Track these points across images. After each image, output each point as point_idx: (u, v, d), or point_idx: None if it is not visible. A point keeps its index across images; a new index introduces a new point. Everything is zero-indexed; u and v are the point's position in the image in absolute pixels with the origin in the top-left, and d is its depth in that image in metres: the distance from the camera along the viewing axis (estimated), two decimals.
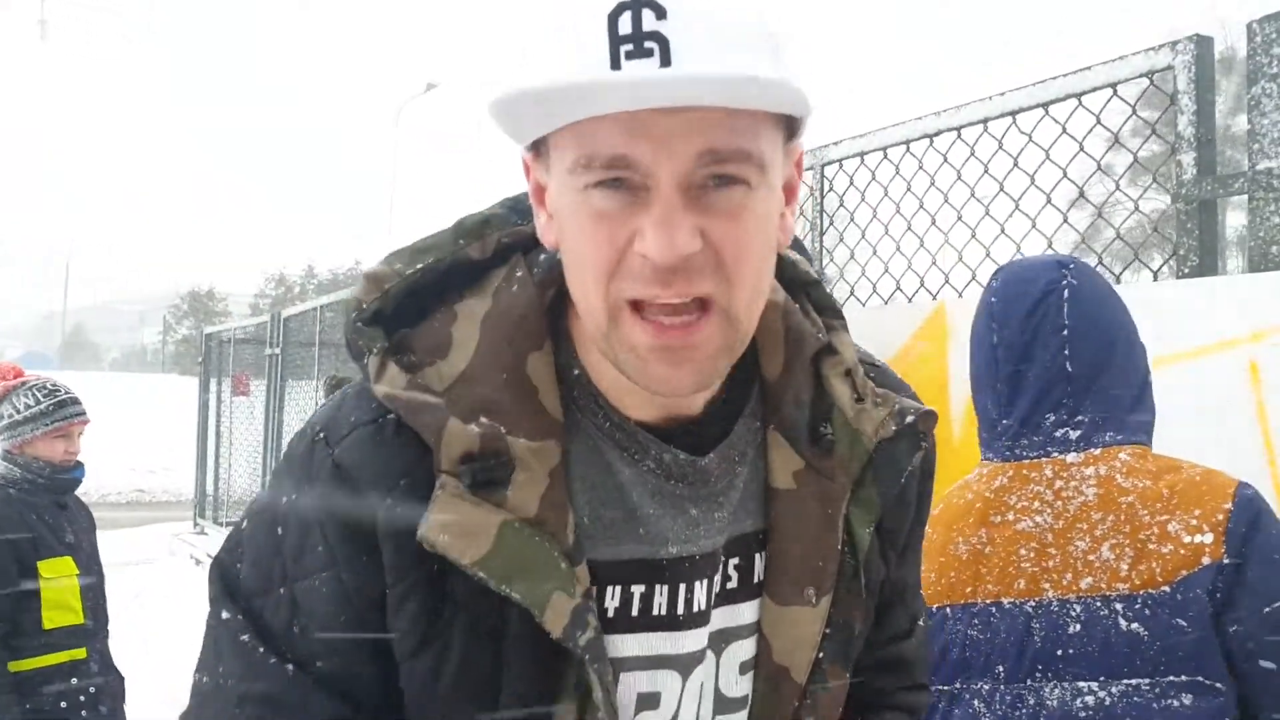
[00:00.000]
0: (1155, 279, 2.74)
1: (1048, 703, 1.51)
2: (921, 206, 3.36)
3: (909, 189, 3.40)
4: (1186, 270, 2.55)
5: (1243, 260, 2.50)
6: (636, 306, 0.90)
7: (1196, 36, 2.53)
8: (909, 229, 3.42)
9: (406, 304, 1.02)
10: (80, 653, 3.62)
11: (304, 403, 10.80)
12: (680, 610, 1.02)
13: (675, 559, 1.01)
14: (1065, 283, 1.63)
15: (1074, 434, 1.59)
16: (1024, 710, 1.53)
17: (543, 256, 1.05)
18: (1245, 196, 2.44)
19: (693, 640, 1.04)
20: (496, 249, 1.06)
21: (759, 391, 1.09)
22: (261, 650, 0.98)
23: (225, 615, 1.02)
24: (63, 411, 3.73)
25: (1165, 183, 2.64)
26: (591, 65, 0.83)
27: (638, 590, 1.01)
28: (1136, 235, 3.04)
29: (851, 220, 3.68)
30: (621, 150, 0.85)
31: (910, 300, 3.40)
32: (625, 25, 0.82)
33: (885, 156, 3.46)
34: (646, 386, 0.93)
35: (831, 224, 3.77)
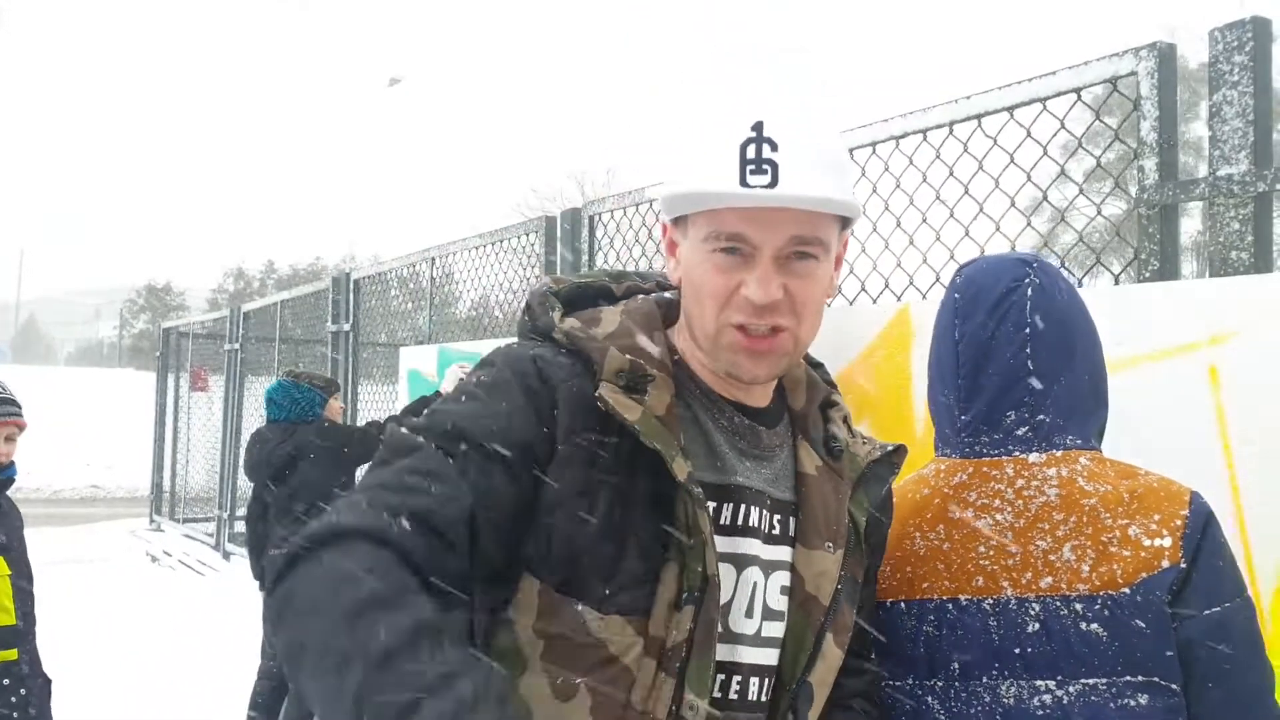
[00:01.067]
0: (1116, 282, 2.77)
1: (1004, 700, 1.52)
2: (887, 208, 3.37)
3: (874, 191, 3.41)
4: (1147, 274, 2.58)
5: (1197, 265, 2.53)
6: (737, 327, 1.37)
7: (1159, 43, 2.56)
8: (874, 231, 3.44)
9: (571, 298, 1.50)
10: (12, 654, 3.56)
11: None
12: (740, 522, 1.41)
13: (739, 485, 1.42)
14: (1029, 281, 1.63)
15: (1034, 433, 1.60)
16: (979, 707, 1.53)
17: (654, 296, 1.55)
18: (1199, 203, 2.48)
19: (750, 546, 1.41)
20: (626, 290, 1.56)
21: (789, 418, 1.55)
22: (435, 447, 1.28)
23: (405, 431, 1.33)
24: None
25: (1127, 187, 2.67)
26: (728, 180, 1.30)
27: (711, 504, 1.38)
28: (1098, 239, 3.07)
29: None
30: (740, 229, 1.33)
31: (875, 301, 3.42)
32: (750, 153, 1.30)
33: (851, 157, 3.47)
34: (736, 373, 1.40)
35: None
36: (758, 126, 1.31)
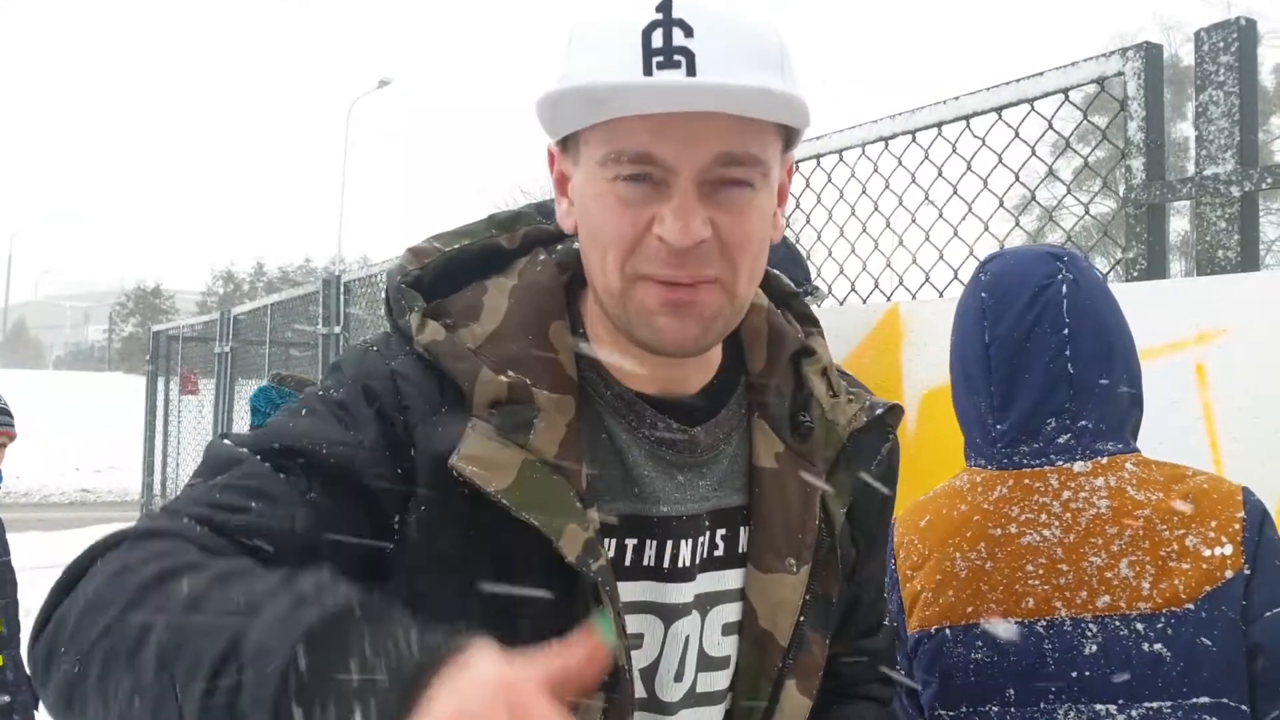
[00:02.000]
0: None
1: None
2: (876, 209, 3.39)
3: (864, 191, 3.43)
4: (1135, 273, 2.59)
5: (1186, 265, 2.55)
6: (651, 279, 1.03)
7: (1146, 44, 2.57)
8: (864, 231, 3.45)
9: (442, 277, 1.16)
10: (0, 661, 3.57)
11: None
12: (666, 564, 1.13)
13: (665, 517, 1.13)
14: (1062, 277, 1.53)
15: (1077, 441, 1.50)
16: None
17: (559, 248, 1.20)
18: (1186, 202, 2.49)
19: (678, 593, 1.14)
20: (523, 241, 1.21)
21: (745, 383, 1.22)
22: (263, 461, 1.02)
23: (228, 443, 1.06)
24: None
25: (1114, 187, 2.68)
26: (627, 71, 0.97)
27: (631, 543, 1.12)
28: (1086, 238, 3.09)
29: (808, 222, 3.71)
30: (648, 148, 0.99)
31: (865, 302, 3.43)
32: (657, 40, 0.97)
33: (841, 159, 3.49)
34: (655, 343, 1.06)
35: (787, 225, 3.79)
36: (664, 6, 0.98)
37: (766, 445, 1.19)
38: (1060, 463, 1.50)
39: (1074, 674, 1.43)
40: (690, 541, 1.14)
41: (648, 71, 0.96)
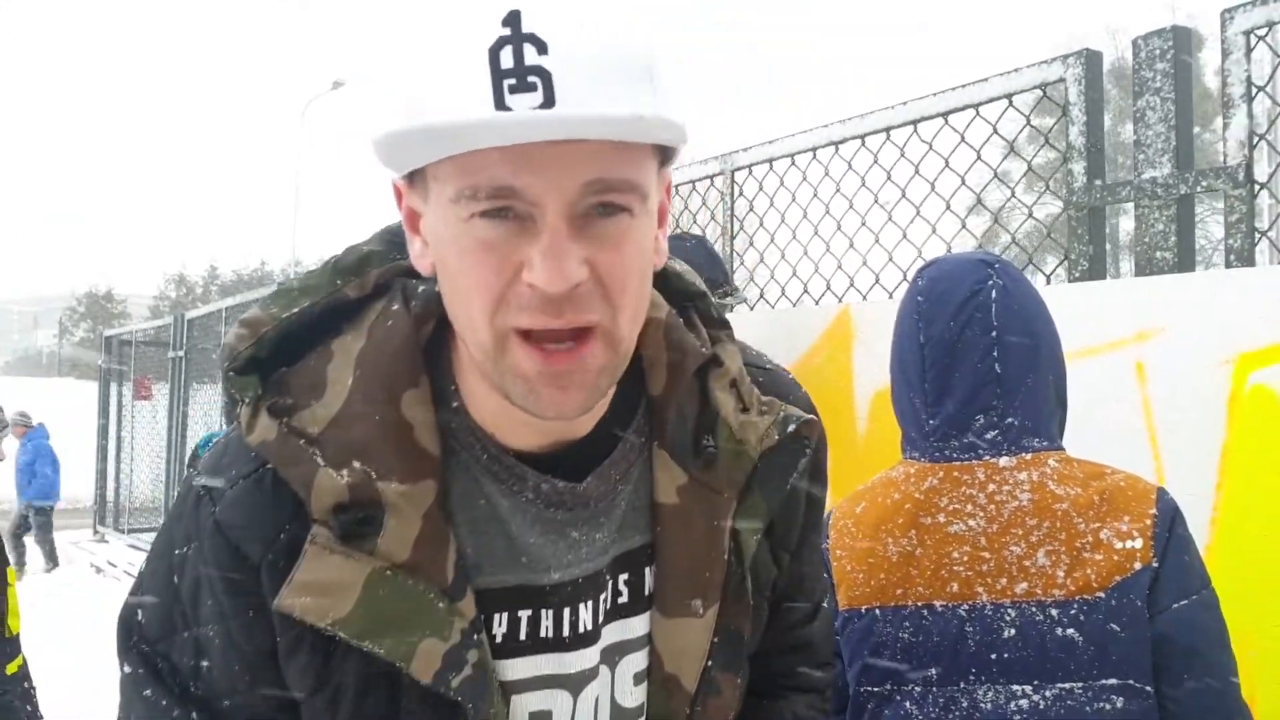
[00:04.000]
0: (1049, 282, 2.85)
1: (981, 705, 1.52)
2: (828, 212, 3.44)
3: (815, 194, 3.49)
4: (1078, 274, 2.66)
5: (1133, 264, 2.62)
6: (524, 335, 0.90)
7: (1086, 51, 2.64)
8: (816, 233, 3.51)
9: (284, 346, 1.02)
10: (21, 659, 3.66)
11: (209, 406, 10.59)
12: (566, 632, 1.05)
13: (558, 584, 1.04)
14: (992, 283, 1.62)
15: (1003, 437, 1.58)
16: (956, 713, 1.53)
17: (421, 289, 1.05)
18: (1133, 206, 2.56)
19: (581, 659, 1.07)
20: (375, 285, 1.06)
21: (645, 408, 1.10)
22: (164, 703, 1.01)
23: (127, 669, 1.05)
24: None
25: (1058, 190, 2.75)
26: (476, 102, 0.82)
27: (524, 615, 1.04)
28: (1031, 240, 3.16)
29: (761, 224, 3.76)
30: (508, 181, 0.85)
31: (817, 303, 3.48)
32: (507, 60, 0.82)
33: (793, 163, 3.54)
34: (536, 411, 0.93)
35: (741, 228, 3.84)
36: (511, 19, 0.83)
37: (668, 478, 1.08)
38: (987, 457, 1.58)
39: (993, 655, 1.51)
40: (591, 602, 1.06)
41: (499, 100, 0.82)
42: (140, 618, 1.05)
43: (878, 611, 1.60)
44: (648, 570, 1.10)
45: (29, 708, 3.58)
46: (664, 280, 1.14)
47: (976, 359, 1.59)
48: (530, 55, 0.82)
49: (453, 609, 0.98)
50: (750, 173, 3.74)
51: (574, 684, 1.07)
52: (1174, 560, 1.47)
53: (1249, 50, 2.31)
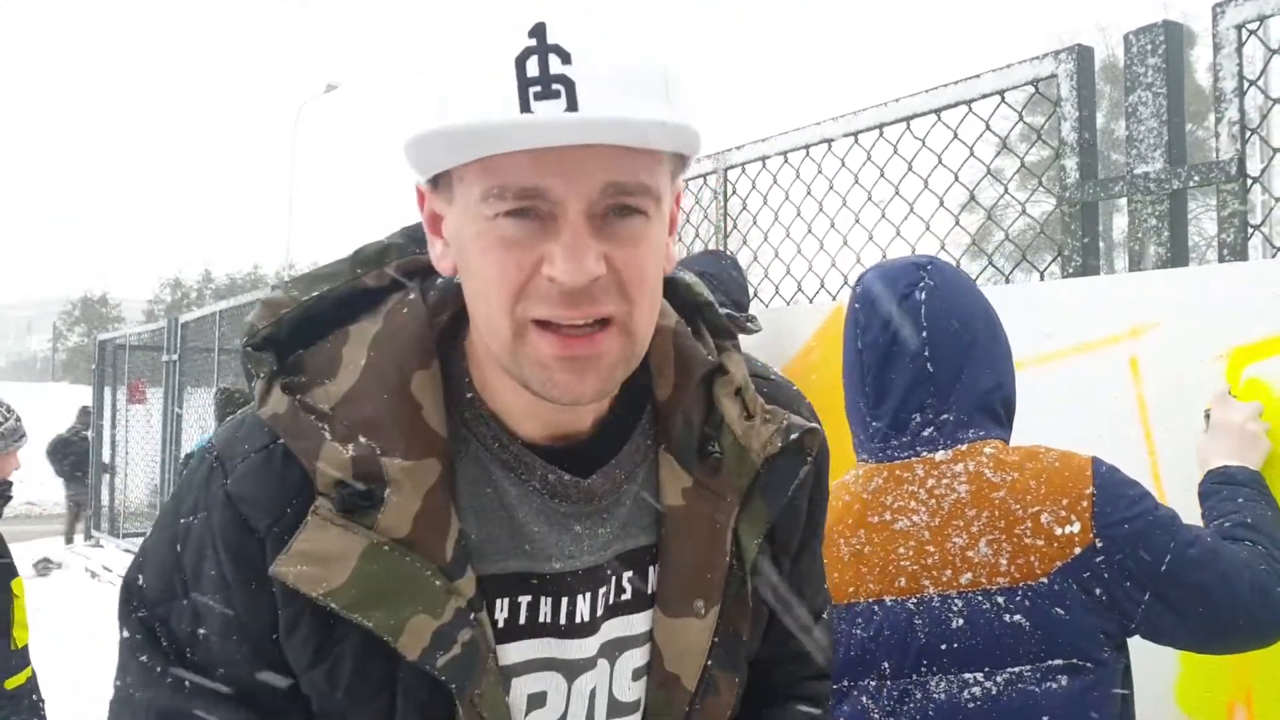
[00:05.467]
0: (1043, 278, 2.85)
1: (934, 696, 1.56)
2: (821, 209, 3.44)
3: (809, 192, 3.48)
4: (1071, 270, 2.66)
5: (1126, 260, 2.62)
6: (542, 325, 0.95)
7: (1078, 47, 2.64)
8: (809, 231, 3.50)
9: (302, 329, 1.06)
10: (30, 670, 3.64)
11: (203, 410, 10.57)
12: (564, 621, 1.08)
13: (558, 574, 1.07)
14: (922, 285, 1.67)
15: (939, 432, 1.64)
16: (911, 704, 1.57)
17: (439, 282, 1.10)
18: (1127, 201, 2.56)
19: (580, 648, 1.09)
20: (394, 277, 1.10)
21: (651, 412, 1.14)
22: (159, 668, 1.04)
23: (125, 634, 1.07)
24: (20, 429, 3.80)
25: (1051, 186, 2.75)
26: (502, 106, 0.88)
27: (524, 601, 1.06)
28: (1025, 237, 3.16)
29: (754, 223, 3.75)
30: (533, 182, 0.90)
31: (811, 301, 3.48)
32: (533, 68, 0.88)
33: (786, 160, 3.54)
34: (551, 395, 0.97)
35: (735, 226, 3.84)
36: (538, 31, 0.89)
37: (673, 481, 1.12)
38: (925, 453, 1.64)
39: (943, 646, 1.56)
40: (590, 595, 1.09)
41: (525, 105, 0.88)
42: (141, 583, 1.07)
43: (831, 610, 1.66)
44: (651, 570, 1.13)
45: None
46: (673, 290, 1.17)
47: (908, 360, 1.66)
48: (555, 65, 0.89)
49: (450, 588, 1.00)
50: (743, 170, 3.74)
51: (569, 670, 1.09)
52: (1115, 500, 1.53)
53: (1240, 45, 2.30)
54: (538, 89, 0.88)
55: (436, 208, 1.02)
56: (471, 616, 1.01)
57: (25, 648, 3.63)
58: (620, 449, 1.11)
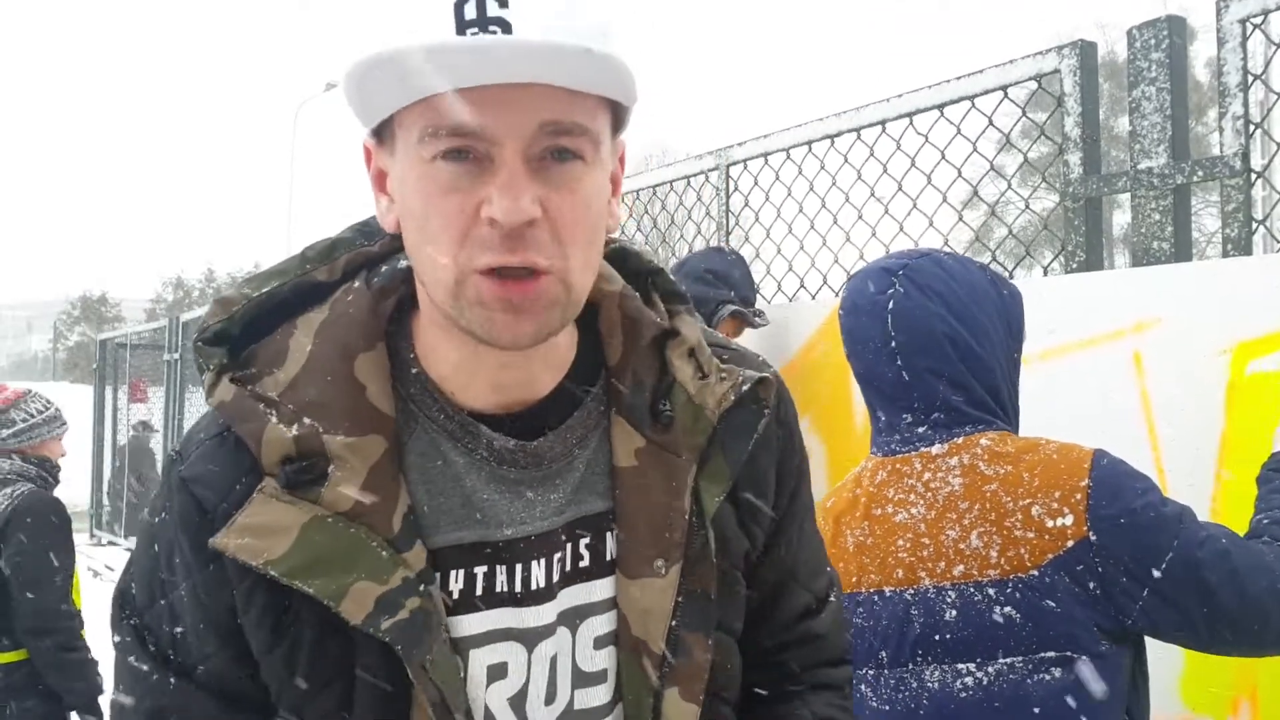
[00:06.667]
0: (1046, 274, 2.85)
1: (929, 685, 1.59)
2: (824, 206, 3.44)
3: (811, 189, 3.48)
4: (1075, 265, 2.66)
5: (1127, 257, 2.62)
6: (484, 274, 0.95)
7: (1081, 42, 2.64)
8: (812, 228, 3.50)
9: (254, 324, 1.09)
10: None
11: (203, 410, 10.57)
12: (519, 588, 1.08)
13: (511, 540, 1.07)
14: (890, 293, 1.68)
15: (932, 430, 1.67)
16: (907, 693, 1.60)
17: (384, 269, 1.12)
18: (1129, 196, 2.56)
19: (536, 615, 1.09)
20: (344, 271, 1.12)
21: (605, 381, 1.15)
22: (146, 669, 1.07)
23: (117, 639, 1.11)
24: (61, 417, 4.12)
25: (1054, 182, 2.75)
26: (434, 29, 0.90)
27: (480, 571, 1.06)
28: (1028, 233, 3.16)
29: (756, 220, 3.75)
30: (468, 119, 0.91)
31: (814, 297, 3.48)
32: (470, 11, 0.90)
33: (788, 157, 3.54)
34: (490, 336, 0.98)
35: (737, 223, 3.84)
36: None
37: (626, 442, 1.12)
38: (922, 448, 1.67)
39: (936, 637, 1.59)
40: (544, 560, 1.09)
41: (460, 29, 0.91)
42: (133, 590, 1.11)
43: None
44: (609, 535, 1.12)
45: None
46: (623, 259, 1.19)
47: (884, 366, 1.70)
48: (491, 7, 0.90)
49: (397, 559, 1.01)
50: (745, 167, 3.73)
51: (528, 639, 1.09)
52: (1115, 527, 1.50)
53: (1245, 39, 2.30)
54: (474, 30, 0.90)
55: (382, 163, 1.04)
56: (421, 587, 1.01)
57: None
58: (572, 414, 1.11)
